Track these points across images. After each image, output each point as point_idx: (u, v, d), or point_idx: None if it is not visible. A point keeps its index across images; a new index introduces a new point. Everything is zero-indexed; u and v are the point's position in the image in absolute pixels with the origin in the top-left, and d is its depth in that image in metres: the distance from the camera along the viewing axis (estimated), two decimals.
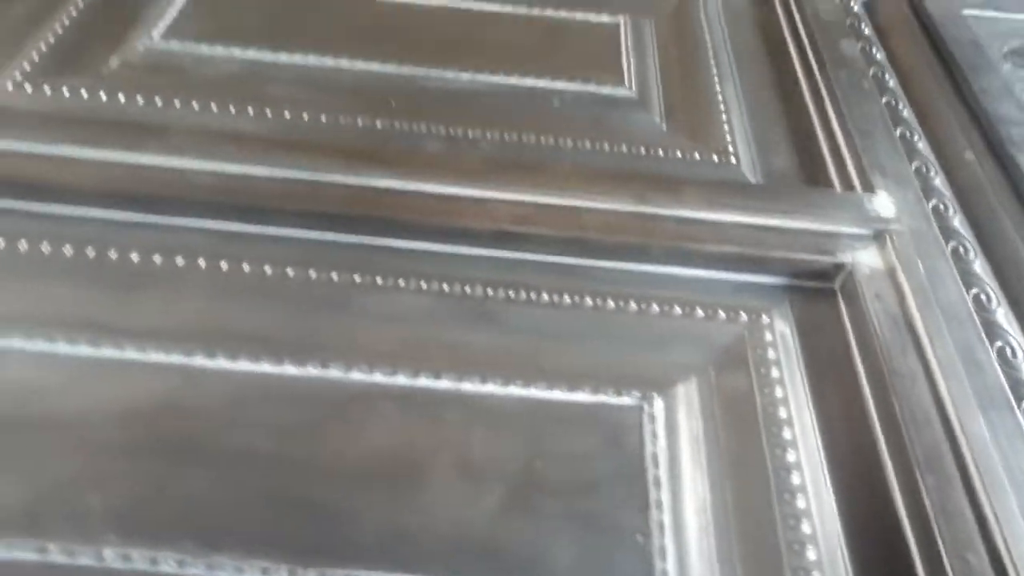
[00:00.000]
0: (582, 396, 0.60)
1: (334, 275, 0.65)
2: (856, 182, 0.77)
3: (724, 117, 0.87)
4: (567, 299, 0.66)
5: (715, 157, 0.82)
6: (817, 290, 0.70)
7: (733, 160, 0.82)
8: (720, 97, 0.91)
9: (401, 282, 0.65)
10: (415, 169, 0.72)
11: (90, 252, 0.65)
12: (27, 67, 0.81)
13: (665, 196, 0.71)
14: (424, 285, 0.65)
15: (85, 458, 0.53)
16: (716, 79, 0.94)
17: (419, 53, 0.91)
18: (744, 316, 0.66)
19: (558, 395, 0.60)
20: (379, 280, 0.65)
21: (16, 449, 0.53)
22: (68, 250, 0.65)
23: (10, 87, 0.79)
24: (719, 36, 1.03)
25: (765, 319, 0.66)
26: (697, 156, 0.82)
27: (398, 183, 0.71)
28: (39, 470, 0.52)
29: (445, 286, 0.65)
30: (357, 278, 0.65)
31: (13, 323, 0.59)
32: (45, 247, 0.65)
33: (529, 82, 0.89)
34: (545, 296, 0.66)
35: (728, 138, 0.85)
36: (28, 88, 0.79)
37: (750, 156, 0.83)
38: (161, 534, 0.50)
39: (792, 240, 0.70)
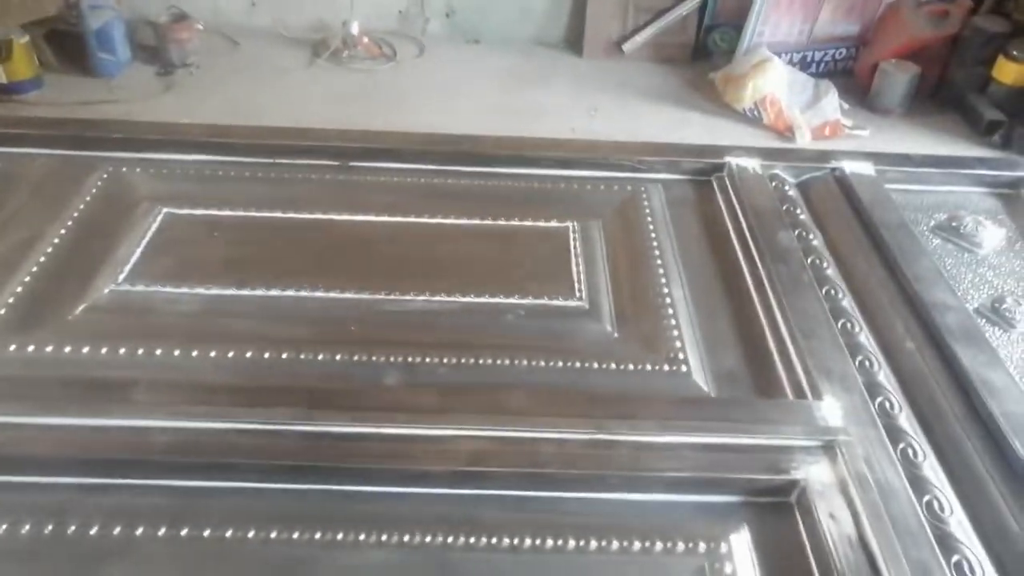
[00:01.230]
0: None
1: (295, 534, 0.67)
2: (805, 387, 0.81)
3: (673, 322, 0.93)
4: (527, 541, 0.68)
5: (666, 366, 0.87)
6: (774, 505, 0.72)
7: (684, 368, 0.87)
8: (668, 300, 0.97)
9: (362, 536, 0.67)
10: (372, 412, 0.76)
11: (48, 527, 0.67)
12: (1, 321, 0.86)
13: (620, 421, 0.75)
14: (384, 537, 0.67)
15: None
16: (663, 280, 1.00)
17: (376, 277, 0.96)
18: (703, 545, 0.68)
19: None
20: (340, 535, 0.67)
21: None
22: (24, 527, 0.66)
23: None
24: (664, 231, 1.10)
25: (724, 547, 0.68)
26: (648, 366, 0.86)
27: (356, 428, 0.74)
28: None
29: (406, 536, 0.67)
30: (318, 535, 0.67)
31: None
32: (3, 523, 0.66)
33: (483, 300, 0.95)
34: (506, 539, 0.68)
35: (678, 344, 0.90)
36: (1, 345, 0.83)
37: (700, 361, 0.88)
38: None
39: (747, 458, 0.73)
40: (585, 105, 3.34)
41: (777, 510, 0.72)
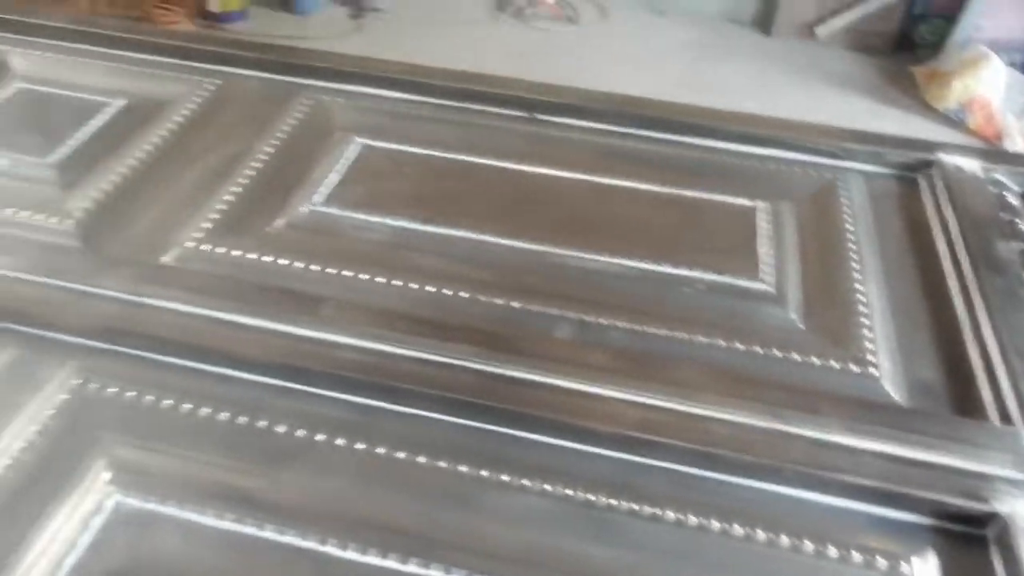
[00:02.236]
0: None
1: (462, 467, 0.69)
2: (1014, 413, 0.74)
3: (866, 321, 0.87)
4: (692, 519, 0.66)
5: (855, 367, 0.82)
6: (966, 536, 0.67)
7: (874, 371, 0.81)
8: (862, 297, 0.91)
9: (526, 481, 0.68)
10: (546, 361, 0.76)
11: (241, 419, 0.72)
12: (207, 227, 0.92)
13: (801, 414, 0.72)
14: (548, 487, 0.68)
15: None
16: (858, 275, 0.94)
17: (556, 230, 0.96)
18: (882, 561, 0.64)
19: None
20: (505, 477, 0.68)
21: None
22: (223, 415, 0.72)
23: (191, 247, 0.89)
24: (863, 225, 1.03)
25: (905, 568, 0.64)
26: (835, 364, 0.82)
27: (528, 375, 0.75)
28: None
29: (569, 490, 0.67)
30: (484, 472, 0.68)
31: (171, 488, 0.65)
32: (204, 410, 0.72)
33: (663, 268, 0.93)
34: (671, 513, 0.66)
35: (870, 345, 0.84)
36: (204, 249, 0.89)
37: (892, 366, 0.83)
38: None
39: (939, 478, 0.68)
40: (770, 86, 3.19)
41: (969, 541, 0.66)
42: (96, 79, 1.18)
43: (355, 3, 3.50)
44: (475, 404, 0.72)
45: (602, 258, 0.93)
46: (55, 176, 1.00)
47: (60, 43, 1.25)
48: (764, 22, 3.68)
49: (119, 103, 1.14)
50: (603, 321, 0.84)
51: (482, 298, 0.86)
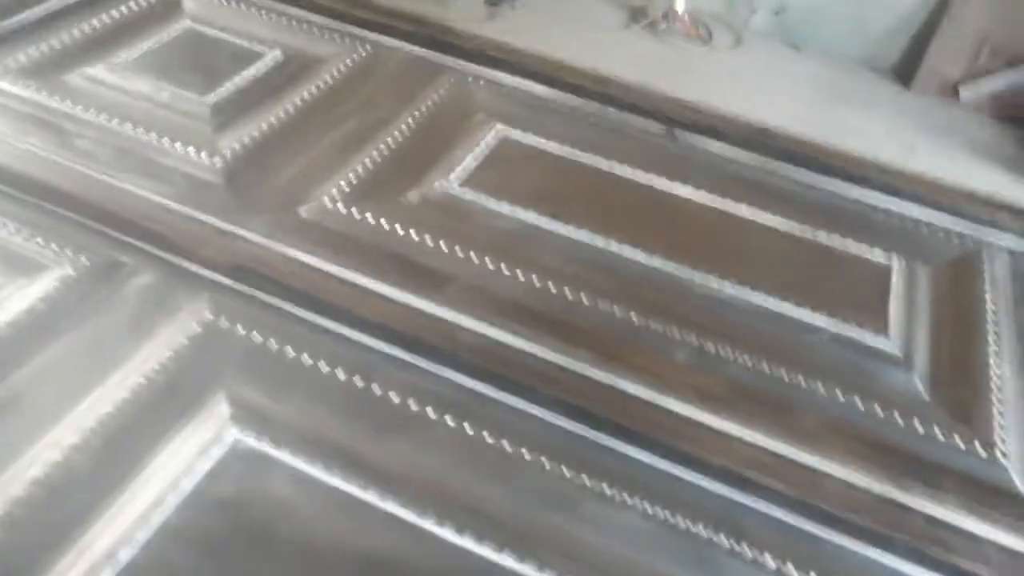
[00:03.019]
0: None
1: (566, 470, 0.68)
2: None
3: (997, 403, 0.83)
4: (793, 570, 0.64)
5: (981, 449, 0.78)
6: None
7: (1002, 457, 0.77)
8: (995, 378, 0.87)
9: (628, 497, 0.67)
10: (662, 381, 0.75)
11: (358, 381, 0.73)
12: (345, 187, 0.95)
13: (921, 487, 0.69)
14: (650, 508, 0.67)
15: None
16: (994, 353, 0.90)
17: (684, 250, 0.95)
18: None
19: None
20: (608, 489, 0.68)
21: (254, 563, 0.60)
22: (341, 374, 0.74)
23: (328, 205, 0.92)
24: (1003, 302, 0.99)
25: None
26: (960, 442, 0.78)
27: (643, 392, 0.74)
28: None
29: (670, 515, 0.67)
30: (588, 480, 0.68)
31: (285, 435, 0.67)
32: (323, 365, 0.74)
33: (789, 308, 0.91)
34: (771, 561, 0.65)
35: (999, 429, 0.80)
36: (340, 208, 0.92)
37: (1023, 457, 0.79)
38: None
39: None
40: (903, 143, 3.08)
41: None
42: (258, 28, 1.23)
43: None
44: (587, 411, 0.72)
45: (728, 287, 0.91)
46: (209, 115, 1.04)
47: None
48: (905, 73, 3.55)
49: (276, 55, 1.18)
50: (723, 352, 0.83)
51: (603, 306, 0.85)
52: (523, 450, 0.70)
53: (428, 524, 0.63)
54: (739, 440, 0.71)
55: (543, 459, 0.69)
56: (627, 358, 0.77)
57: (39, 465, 0.62)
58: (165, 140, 0.97)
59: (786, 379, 0.81)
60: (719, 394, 0.75)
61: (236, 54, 1.17)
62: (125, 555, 0.58)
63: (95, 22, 1.17)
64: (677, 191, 1.06)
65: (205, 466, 0.64)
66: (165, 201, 0.88)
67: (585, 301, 0.86)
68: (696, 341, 0.84)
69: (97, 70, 1.09)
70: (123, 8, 1.21)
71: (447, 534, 0.63)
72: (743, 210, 1.04)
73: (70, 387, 0.68)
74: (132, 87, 1.06)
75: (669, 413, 0.72)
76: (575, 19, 3.56)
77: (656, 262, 0.93)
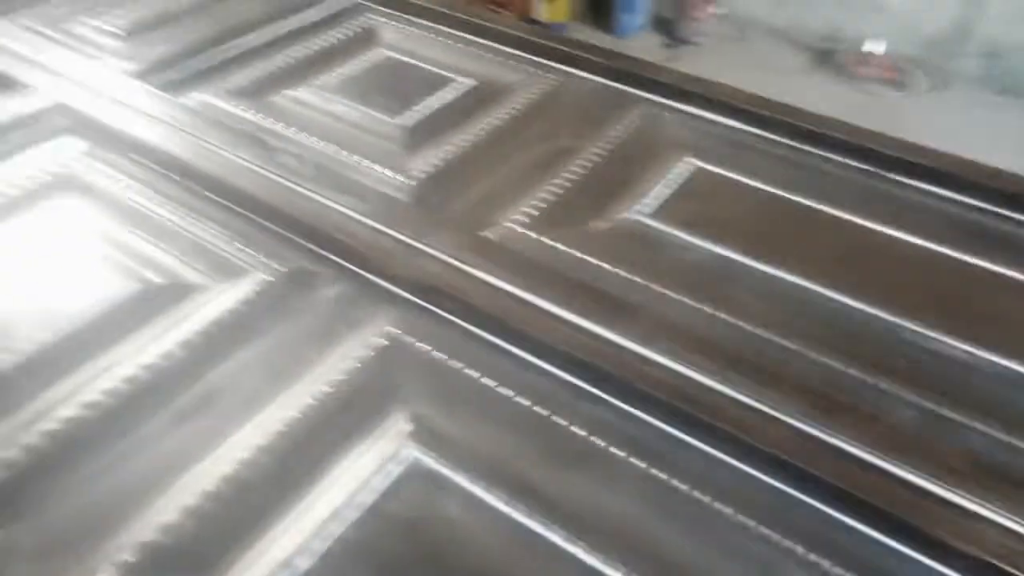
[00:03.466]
0: None
1: (770, 532, 0.61)
2: None
3: None
4: None
5: None
6: None
7: None
8: None
9: (843, 572, 0.59)
10: (884, 444, 0.66)
11: (540, 410, 0.69)
12: (532, 211, 0.93)
13: None
14: None
15: None
16: None
17: (897, 299, 0.85)
18: None
19: None
20: (821, 561, 0.59)
21: None
22: (522, 400, 0.70)
23: (514, 228, 0.90)
24: None
25: None
26: None
27: (863, 453, 0.65)
28: None
29: None
30: (797, 547, 0.60)
31: (464, 458, 0.64)
32: (505, 390, 0.71)
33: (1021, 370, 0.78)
34: None
35: None
36: (526, 233, 0.90)
37: None
38: None
39: None
40: None
41: None
42: (449, 57, 1.26)
43: (672, 34, 3.52)
44: (794, 467, 0.64)
45: (958, 344, 0.80)
46: (402, 137, 1.06)
47: (423, 21, 1.34)
48: None
49: (467, 82, 1.19)
50: (952, 416, 0.72)
51: (810, 353, 0.77)
52: (719, 504, 0.63)
53: (611, 571, 0.57)
54: (986, 522, 0.60)
55: (745, 518, 0.62)
56: (842, 413, 0.68)
57: (228, 462, 0.62)
58: (360, 159, 0.99)
59: None
60: (954, 464, 0.65)
61: (428, 80, 1.20)
62: (302, 563, 0.57)
63: (300, 50, 1.24)
64: (886, 232, 0.96)
65: (383, 482, 0.62)
66: (358, 216, 0.90)
67: (789, 346, 0.78)
68: (918, 403, 0.74)
69: (300, 92, 1.14)
70: (325, 38, 1.28)
71: None
72: (965, 259, 0.93)
73: (260, 389, 0.69)
74: (331, 108, 1.11)
75: (893, 481, 0.63)
76: (756, 62, 3.46)
77: (866, 308, 0.84)
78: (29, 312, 0.76)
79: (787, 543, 0.60)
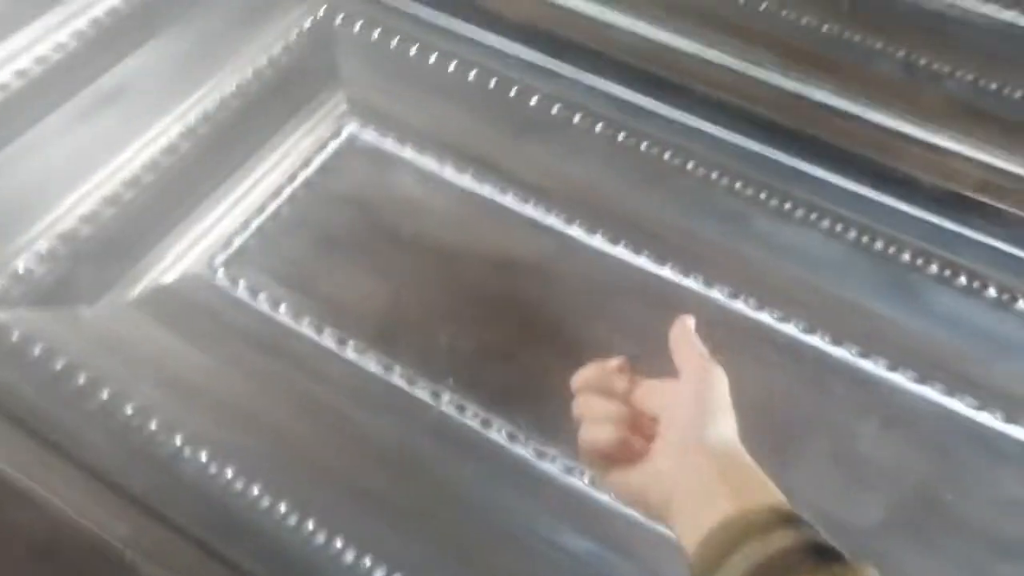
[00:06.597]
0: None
1: (737, 183, 0.59)
2: None
3: None
4: (1021, 304, 0.54)
5: None
6: None
7: None
8: None
9: (813, 216, 0.58)
10: (861, 89, 0.63)
11: (491, 82, 0.64)
12: None
13: None
14: (839, 227, 0.57)
15: (448, 292, 0.53)
16: None
17: None
18: None
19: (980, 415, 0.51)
20: (787, 205, 0.58)
21: (388, 260, 0.55)
22: (471, 75, 0.65)
23: None
24: None
25: None
26: None
27: (839, 101, 0.62)
28: (402, 289, 0.54)
29: (865, 237, 0.57)
30: (762, 194, 0.59)
31: (413, 135, 0.61)
32: (451, 65, 0.65)
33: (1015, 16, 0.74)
34: (992, 291, 0.55)
35: None
36: None
37: None
38: (497, 398, 0.50)
39: None
40: None
41: None
42: None
43: None
44: (767, 121, 0.61)
45: None
46: None
47: None
48: None
49: None
50: (936, 66, 0.68)
51: (784, 13, 0.72)
52: (687, 163, 0.60)
53: (576, 231, 0.56)
54: (960, 157, 0.59)
55: (711, 173, 0.60)
56: (819, 63, 0.64)
57: (148, 152, 0.58)
58: None
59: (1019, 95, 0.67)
60: (934, 107, 0.62)
61: None
62: (239, 240, 0.54)
63: None
64: None
65: (321, 159, 0.58)
66: None
67: (761, 7, 0.72)
68: (903, 55, 0.69)
69: None
70: None
71: (600, 243, 0.56)
72: None
73: (175, 83, 0.63)
74: None
75: (869, 126, 0.60)
76: None
77: None
78: None
79: (761, 195, 0.59)
